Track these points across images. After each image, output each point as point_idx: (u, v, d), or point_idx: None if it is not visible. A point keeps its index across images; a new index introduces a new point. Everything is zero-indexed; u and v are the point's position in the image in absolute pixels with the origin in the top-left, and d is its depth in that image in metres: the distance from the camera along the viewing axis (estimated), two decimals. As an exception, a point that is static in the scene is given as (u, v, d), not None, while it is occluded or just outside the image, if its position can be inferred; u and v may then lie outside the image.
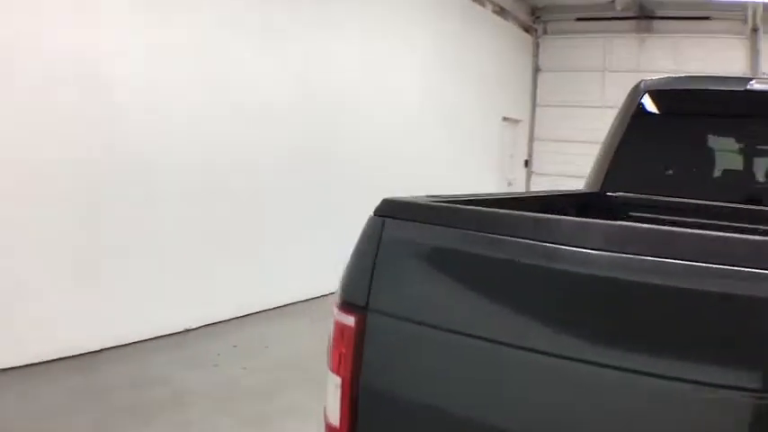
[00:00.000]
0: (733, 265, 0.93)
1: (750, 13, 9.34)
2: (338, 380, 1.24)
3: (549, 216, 1.16)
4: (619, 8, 10.15)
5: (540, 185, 11.18)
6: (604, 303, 1.04)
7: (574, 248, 1.06)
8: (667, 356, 0.98)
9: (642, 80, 2.94)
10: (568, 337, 1.06)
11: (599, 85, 10.77)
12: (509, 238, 1.11)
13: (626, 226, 1.14)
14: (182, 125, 4.75)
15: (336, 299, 1.29)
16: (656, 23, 10.61)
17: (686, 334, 0.97)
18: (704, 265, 0.95)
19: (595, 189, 2.72)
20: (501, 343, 1.10)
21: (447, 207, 1.26)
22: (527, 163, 11.40)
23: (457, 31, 8.58)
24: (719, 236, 1.00)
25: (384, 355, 1.24)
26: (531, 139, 11.43)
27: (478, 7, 9.33)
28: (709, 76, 3.05)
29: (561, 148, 10.95)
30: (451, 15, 8.47)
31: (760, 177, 3.02)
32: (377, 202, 1.29)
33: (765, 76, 2.71)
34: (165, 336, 4.58)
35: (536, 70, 11.41)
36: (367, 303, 1.21)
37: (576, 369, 1.03)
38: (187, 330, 4.78)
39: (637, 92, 2.87)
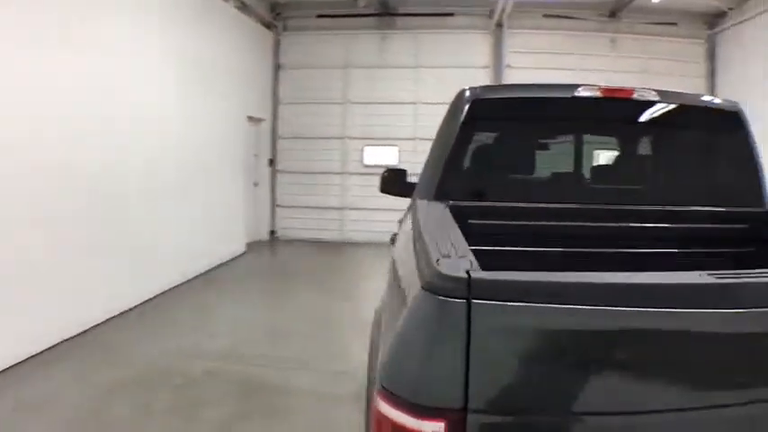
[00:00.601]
0: None
1: (499, 8, 9.80)
2: None
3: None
4: (361, 5, 9.97)
5: (285, 185, 11.10)
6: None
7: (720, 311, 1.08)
8: None
9: (466, 88, 2.96)
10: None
11: (342, 82, 10.69)
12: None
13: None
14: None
15: (389, 403, 1.08)
16: (399, 20, 10.64)
17: None
18: None
19: (429, 199, 2.68)
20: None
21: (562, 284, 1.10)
22: (271, 162, 11.15)
23: (198, 29, 7.81)
24: None
25: None
26: (275, 138, 11.20)
27: (220, 2, 8.64)
28: (537, 84, 3.18)
29: (306, 145, 10.86)
30: (192, 11, 7.67)
31: (589, 178, 3.24)
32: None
33: (591, 84, 2.88)
34: None
35: (277, 68, 11.06)
36: (466, 404, 1.02)
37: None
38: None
39: (462, 100, 2.88)
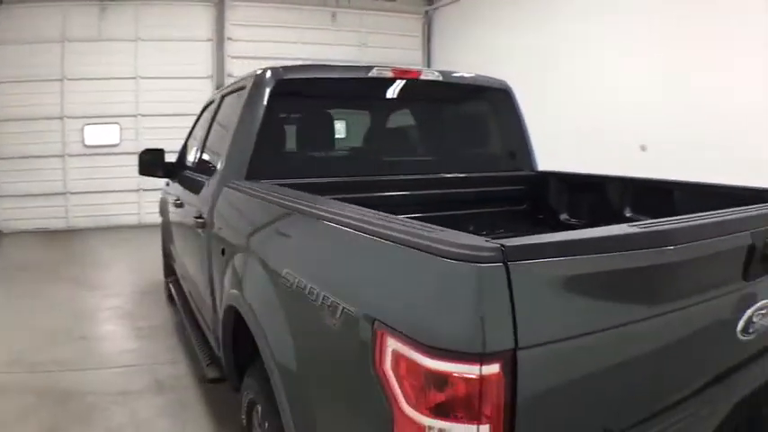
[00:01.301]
0: None
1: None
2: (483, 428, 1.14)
3: None
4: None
5: (3, 173, 9.91)
6: None
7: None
8: None
9: (266, 68, 2.97)
10: None
11: (59, 57, 9.80)
12: None
13: None
14: None
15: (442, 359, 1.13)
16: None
17: None
18: None
19: (240, 179, 2.75)
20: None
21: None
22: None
23: None
24: None
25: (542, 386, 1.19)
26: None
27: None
28: (335, 66, 3.35)
29: (23, 127, 9.80)
30: None
31: (387, 151, 3.44)
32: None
33: (384, 66, 3.16)
34: None
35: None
36: (516, 343, 1.12)
37: None
38: None
39: (264, 80, 2.89)
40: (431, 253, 1.18)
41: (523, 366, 1.13)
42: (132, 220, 10.37)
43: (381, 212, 1.57)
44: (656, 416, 1.40)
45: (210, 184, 3.00)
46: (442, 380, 1.13)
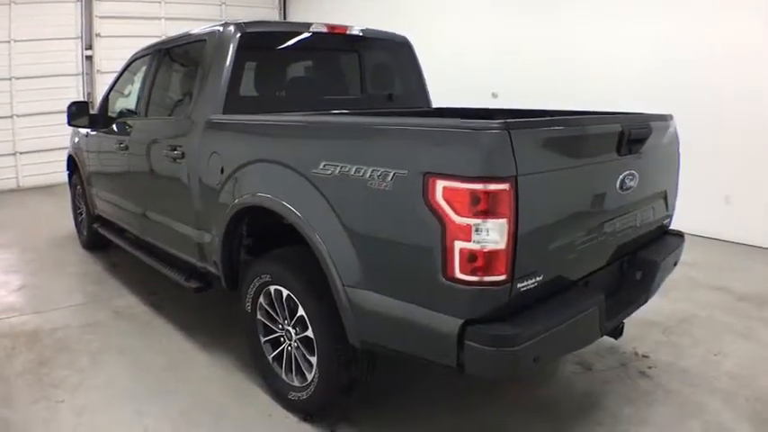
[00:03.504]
0: None
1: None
2: (502, 221, 1.90)
3: None
4: None
5: None
6: None
7: None
8: None
9: (231, 22, 3.43)
10: None
11: None
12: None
13: None
14: None
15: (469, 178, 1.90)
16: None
17: None
18: None
19: (218, 116, 3.24)
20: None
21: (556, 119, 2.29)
22: None
23: None
24: None
25: (533, 197, 1.99)
26: None
27: None
28: (284, 22, 4.03)
29: None
30: None
31: (326, 93, 4.05)
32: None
33: (319, 23, 3.79)
34: None
35: None
36: (516, 172, 1.91)
37: None
38: None
39: (228, 34, 3.35)
40: (470, 129, 1.94)
41: (521, 184, 1.94)
42: (11, 184, 9.96)
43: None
44: (588, 229, 2.39)
45: (182, 123, 3.48)
46: (479, 195, 1.89)
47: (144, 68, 4.38)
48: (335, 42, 4.05)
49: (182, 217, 3.55)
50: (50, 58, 9.94)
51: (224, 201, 3.02)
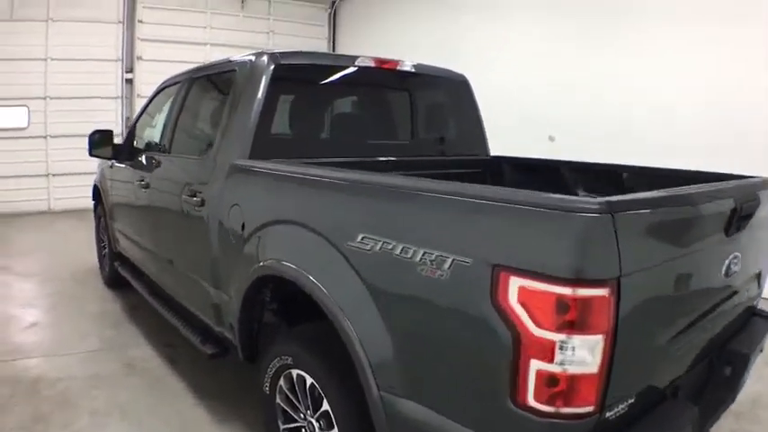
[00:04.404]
0: None
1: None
2: (597, 337, 1.42)
3: None
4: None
5: None
6: None
7: None
8: None
9: (266, 52, 3.04)
10: None
11: None
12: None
13: None
14: None
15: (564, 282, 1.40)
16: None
17: None
18: None
19: (243, 160, 2.81)
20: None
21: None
22: None
23: None
24: None
25: (637, 304, 1.53)
26: None
27: None
28: (324, 53, 3.51)
29: None
30: None
31: (371, 136, 3.59)
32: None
33: (366, 56, 3.34)
34: None
35: None
36: (620, 273, 1.42)
37: None
38: None
39: (261, 65, 2.95)
40: (558, 209, 1.43)
41: (624, 288, 1.45)
42: (42, 206, 9.79)
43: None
44: (686, 328, 1.87)
45: (204, 165, 3.06)
46: (567, 303, 1.40)
47: (172, 98, 4.02)
48: (384, 78, 3.58)
49: (199, 272, 3.13)
50: (88, 80, 9.78)
51: (245, 262, 2.58)
